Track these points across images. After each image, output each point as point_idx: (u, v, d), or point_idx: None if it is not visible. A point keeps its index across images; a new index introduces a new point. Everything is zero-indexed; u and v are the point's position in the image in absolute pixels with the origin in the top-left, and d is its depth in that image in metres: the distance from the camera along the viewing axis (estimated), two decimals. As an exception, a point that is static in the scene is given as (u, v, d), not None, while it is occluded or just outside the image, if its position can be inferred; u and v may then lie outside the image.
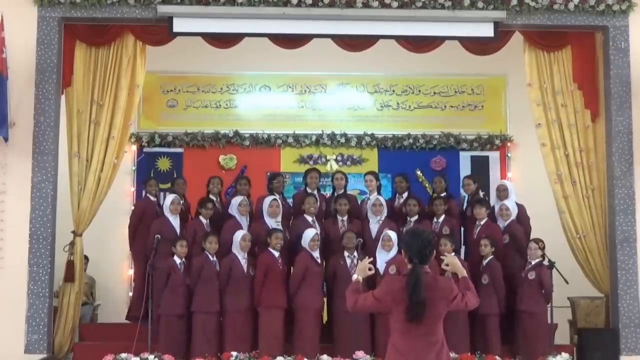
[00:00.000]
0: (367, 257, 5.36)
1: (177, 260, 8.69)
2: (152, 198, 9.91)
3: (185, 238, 8.93)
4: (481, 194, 10.51)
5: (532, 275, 8.68)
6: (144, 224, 9.60)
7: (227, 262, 8.68)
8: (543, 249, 8.88)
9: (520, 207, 9.47)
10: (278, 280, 8.61)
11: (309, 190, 9.66)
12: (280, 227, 9.01)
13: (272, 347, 8.37)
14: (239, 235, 8.77)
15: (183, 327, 8.56)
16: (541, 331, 8.60)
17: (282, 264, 8.70)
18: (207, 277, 8.59)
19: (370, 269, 5.22)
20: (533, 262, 8.74)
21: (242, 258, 8.70)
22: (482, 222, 9.20)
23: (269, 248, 8.67)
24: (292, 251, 8.96)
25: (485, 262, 8.81)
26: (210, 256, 8.70)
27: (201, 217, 9.27)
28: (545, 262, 8.79)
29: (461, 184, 10.07)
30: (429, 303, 4.80)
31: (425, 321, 4.81)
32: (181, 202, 9.55)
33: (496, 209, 9.45)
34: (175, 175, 11.16)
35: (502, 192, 9.52)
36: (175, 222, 9.31)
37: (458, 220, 9.47)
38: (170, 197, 9.47)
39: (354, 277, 5.25)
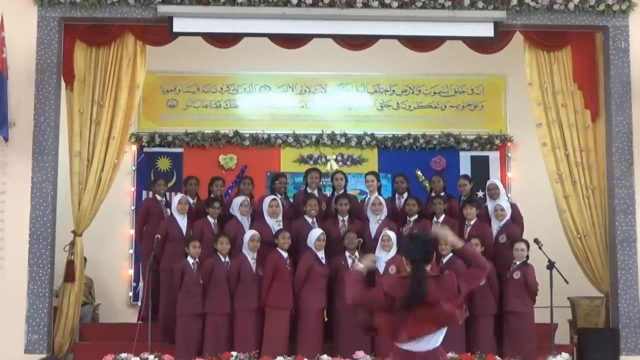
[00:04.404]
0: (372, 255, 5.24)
1: (190, 260, 8.70)
2: (159, 197, 9.93)
3: (195, 238, 8.94)
4: (480, 194, 10.52)
5: (517, 275, 8.69)
6: (150, 223, 9.62)
7: (237, 262, 8.70)
8: (541, 248, 8.90)
9: (514, 207, 9.50)
10: (285, 281, 8.61)
11: (309, 190, 9.67)
12: (281, 227, 9.02)
13: (276, 348, 8.39)
14: (247, 235, 8.79)
15: (199, 327, 8.58)
16: (527, 331, 8.60)
17: (290, 265, 8.71)
18: (218, 278, 8.61)
19: (374, 261, 5.09)
20: (518, 262, 8.75)
21: (251, 258, 8.71)
22: (472, 222, 9.20)
23: (277, 248, 8.69)
24: (294, 252, 8.93)
25: None
26: (221, 257, 8.72)
27: (209, 217, 9.27)
28: (531, 262, 8.80)
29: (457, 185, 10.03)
30: (433, 304, 4.77)
31: (431, 322, 4.80)
32: (191, 201, 9.56)
33: (489, 208, 9.45)
34: (174, 176, 11.21)
35: (493, 191, 9.52)
36: (182, 222, 9.33)
37: (458, 220, 9.46)
38: (177, 197, 9.50)
39: (358, 266, 5.13)
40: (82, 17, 9.11)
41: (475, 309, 8.65)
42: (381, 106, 11.78)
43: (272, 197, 9.31)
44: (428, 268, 4.90)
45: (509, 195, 10.89)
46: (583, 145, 9.43)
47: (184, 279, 8.62)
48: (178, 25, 9.14)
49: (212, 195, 9.64)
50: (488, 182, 9.87)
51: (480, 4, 9.18)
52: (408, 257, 4.92)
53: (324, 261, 8.75)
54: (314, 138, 11.58)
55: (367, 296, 4.98)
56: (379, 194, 9.57)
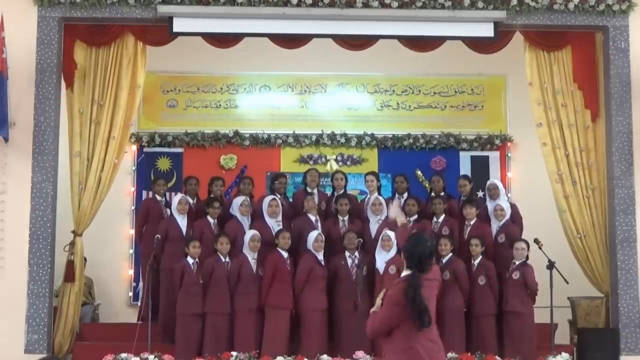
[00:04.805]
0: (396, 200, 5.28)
1: (190, 260, 8.70)
2: (158, 197, 9.93)
3: (195, 238, 8.94)
4: (480, 194, 10.51)
5: (516, 275, 8.68)
6: (150, 223, 9.62)
7: (237, 262, 8.70)
8: (541, 248, 8.89)
9: (513, 207, 9.52)
10: (285, 281, 8.61)
11: (309, 190, 9.67)
12: (281, 227, 9.03)
13: (276, 348, 8.39)
14: (248, 235, 8.80)
15: (199, 327, 8.59)
16: (527, 331, 8.60)
17: (290, 265, 8.71)
18: (218, 278, 8.61)
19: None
20: (517, 262, 8.75)
21: (251, 258, 8.72)
22: (471, 223, 9.21)
23: (278, 248, 8.69)
24: (295, 251, 8.94)
25: (476, 262, 8.81)
26: (222, 257, 8.72)
27: (208, 217, 9.27)
28: (531, 262, 8.79)
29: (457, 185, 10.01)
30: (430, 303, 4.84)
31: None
32: (191, 201, 9.57)
33: (489, 208, 9.46)
34: (174, 176, 11.22)
35: (493, 191, 9.53)
36: (182, 222, 9.33)
37: (458, 220, 9.46)
38: (177, 197, 9.50)
39: (372, 309, 5.08)
40: (82, 17, 9.11)
41: (475, 309, 8.66)
42: (381, 106, 11.78)
43: (272, 197, 9.31)
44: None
45: (509, 195, 10.90)
46: (583, 145, 9.43)
47: (184, 278, 8.63)
48: (178, 25, 9.14)
49: (211, 195, 9.65)
50: (488, 182, 9.88)
51: (480, 4, 9.18)
52: (407, 259, 4.97)
53: (323, 263, 8.74)
54: (314, 138, 11.58)
55: (383, 320, 4.93)
56: (379, 194, 9.57)
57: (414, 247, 4.97)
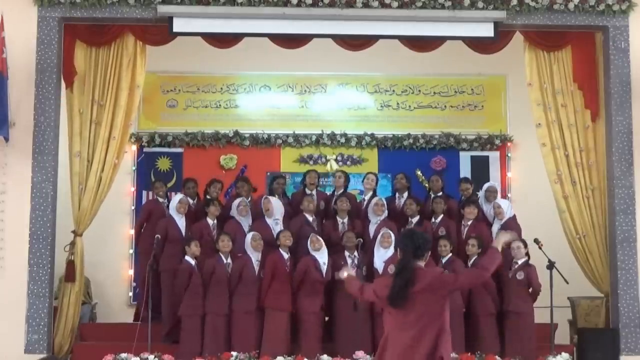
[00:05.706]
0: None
1: (192, 261, 8.69)
2: (160, 199, 9.91)
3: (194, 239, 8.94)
4: (480, 193, 10.51)
5: (520, 276, 8.66)
6: (151, 225, 9.61)
7: (240, 263, 8.70)
8: (541, 248, 8.89)
9: None
10: (283, 282, 8.61)
11: (307, 192, 9.67)
12: (280, 226, 9.04)
13: (276, 348, 8.39)
14: (249, 236, 8.80)
15: (203, 327, 8.59)
16: (527, 331, 8.60)
17: (290, 266, 8.70)
18: (219, 279, 8.61)
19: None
20: (520, 262, 8.73)
21: (255, 259, 8.72)
22: (469, 223, 9.21)
23: (279, 249, 8.70)
24: (292, 251, 8.93)
25: (471, 262, 8.79)
26: (223, 257, 8.71)
27: (207, 219, 9.27)
28: (532, 262, 8.79)
29: (458, 187, 10.00)
30: (418, 296, 4.83)
31: (414, 315, 4.86)
32: (191, 202, 9.55)
33: (485, 209, 9.47)
34: (174, 176, 11.22)
35: (492, 194, 9.54)
36: (180, 222, 9.32)
37: (456, 221, 9.45)
38: (177, 197, 9.47)
39: (343, 275, 5.55)
40: (82, 17, 9.11)
41: (475, 308, 8.66)
42: (381, 106, 11.78)
43: (265, 196, 9.38)
44: (422, 264, 4.99)
45: (509, 195, 10.91)
46: (583, 146, 9.43)
47: (192, 279, 8.61)
48: (178, 25, 9.15)
49: (208, 197, 9.63)
50: (487, 185, 9.85)
51: (480, 4, 9.18)
52: (402, 252, 5.04)
53: (324, 266, 8.67)
54: (314, 138, 11.59)
55: (368, 294, 5.27)
56: (374, 194, 9.57)
57: (409, 239, 5.09)
